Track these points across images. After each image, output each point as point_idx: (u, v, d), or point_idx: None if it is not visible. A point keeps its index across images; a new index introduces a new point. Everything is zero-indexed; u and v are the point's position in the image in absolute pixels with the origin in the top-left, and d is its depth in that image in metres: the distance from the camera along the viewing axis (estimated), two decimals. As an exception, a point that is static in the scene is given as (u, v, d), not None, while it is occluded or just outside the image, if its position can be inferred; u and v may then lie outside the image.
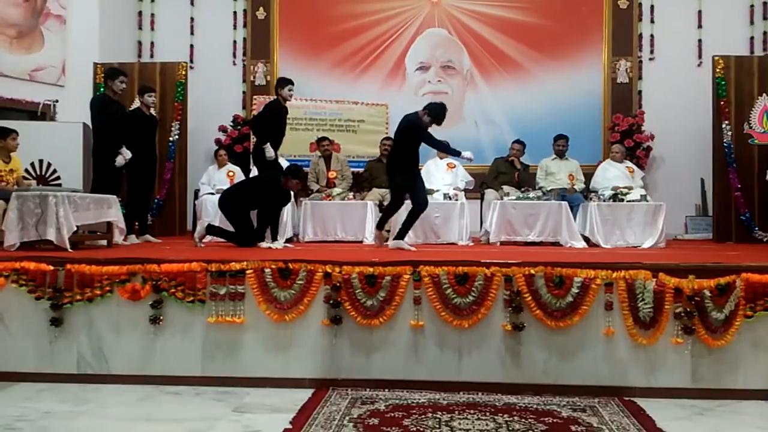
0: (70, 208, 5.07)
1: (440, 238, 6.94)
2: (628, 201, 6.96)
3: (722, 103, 7.85)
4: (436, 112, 5.79)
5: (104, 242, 5.74)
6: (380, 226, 6.26)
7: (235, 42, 9.52)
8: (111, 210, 5.73)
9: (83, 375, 4.20)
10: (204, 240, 6.00)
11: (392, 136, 8.30)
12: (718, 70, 7.89)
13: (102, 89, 7.27)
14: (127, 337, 4.21)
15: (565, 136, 7.86)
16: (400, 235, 5.93)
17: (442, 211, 7.01)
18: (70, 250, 4.90)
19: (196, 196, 8.25)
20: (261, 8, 9.49)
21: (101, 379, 4.17)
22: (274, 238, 6.44)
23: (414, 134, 5.87)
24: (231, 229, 6.06)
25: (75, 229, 5.12)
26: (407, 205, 6.14)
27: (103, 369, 4.21)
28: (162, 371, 4.18)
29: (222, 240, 6.13)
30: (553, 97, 9.16)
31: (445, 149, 6.46)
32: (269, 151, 6.36)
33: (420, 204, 6.01)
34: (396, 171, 6.04)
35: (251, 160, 6.87)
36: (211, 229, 6.02)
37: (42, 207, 4.95)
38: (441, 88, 9.45)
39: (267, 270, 4.18)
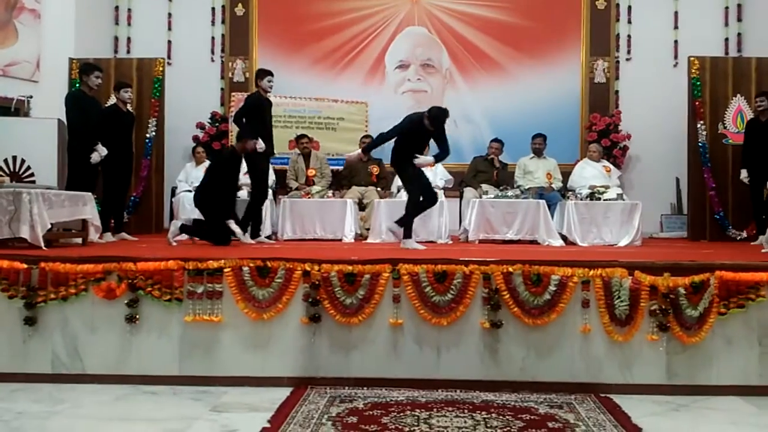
0: (44, 206, 4.99)
1: (419, 236, 6.91)
2: (604, 200, 7.03)
3: (697, 103, 7.95)
4: (435, 116, 5.64)
5: (79, 240, 5.66)
6: (408, 233, 5.74)
7: (213, 38, 9.45)
8: (86, 207, 5.65)
9: (58, 375, 4.14)
10: (177, 238, 5.94)
11: (372, 135, 8.36)
12: (693, 71, 7.99)
13: (77, 85, 7.17)
14: (102, 337, 4.16)
15: (542, 134, 7.93)
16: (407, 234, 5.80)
17: (422, 209, 7.00)
18: (44, 248, 4.82)
19: (173, 194, 8.18)
20: (239, 4, 9.43)
21: (76, 379, 4.12)
22: (256, 235, 6.41)
23: (414, 135, 5.83)
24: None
25: (49, 226, 5.03)
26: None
27: (78, 368, 4.15)
28: (138, 370, 4.14)
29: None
30: (532, 96, 9.22)
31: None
32: (259, 144, 6.28)
33: (434, 198, 5.95)
34: (404, 165, 5.80)
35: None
36: (184, 228, 5.97)
37: (15, 204, 4.86)
38: (420, 86, 9.46)
39: (245, 268, 4.16)
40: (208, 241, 5.85)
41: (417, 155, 5.73)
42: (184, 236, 6.04)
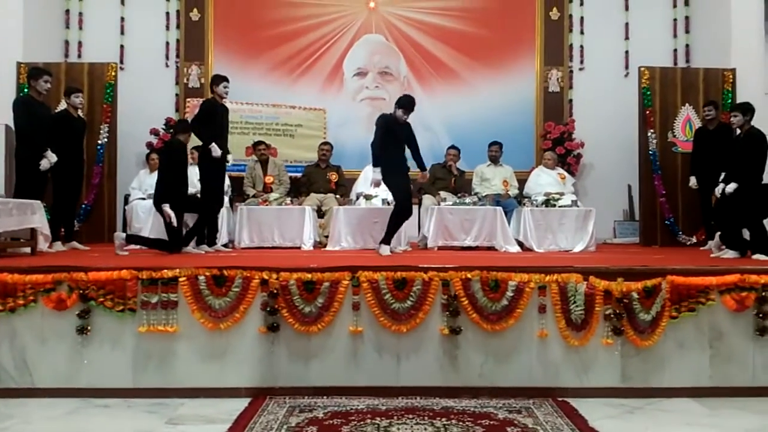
0: (-10, 214, 4.83)
1: (377, 243, 6.93)
2: (559, 206, 7.15)
3: (648, 112, 8.16)
4: (405, 102, 6.07)
5: (28, 249, 5.49)
6: (388, 239, 6.00)
7: (167, 43, 9.28)
8: (35, 216, 5.49)
9: (6, 389, 4.00)
10: (128, 248, 5.80)
11: (330, 141, 8.35)
12: (643, 81, 8.20)
13: (26, 90, 6.96)
14: (52, 349, 4.04)
15: (498, 142, 8.04)
16: (386, 240, 6.00)
17: (381, 216, 6.98)
18: (-10, 258, 4.67)
19: (126, 202, 7.99)
20: (195, 9, 9.29)
21: (25, 393, 3.99)
22: (212, 243, 6.31)
23: (393, 132, 5.99)
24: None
25: (-4, 235, 4.88)
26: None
27: (27, 382, 4.02)
28: (90, 383, 4.03)
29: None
30: (488, 104, 9.33)
31: (418, 158, 6.40)
32: (215, 151, 6.18)
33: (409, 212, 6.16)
34: (389, 173, 6.00)
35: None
36: (131, 239, 5.84)
37: (-41, 213, 4.70)
38: (378, 93, 9.47)
39: (201, 277, 4.09)
40: (158, 249, 5.73)
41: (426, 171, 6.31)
42: (133, 246, 5.91)
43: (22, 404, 3.86)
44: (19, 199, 5.55)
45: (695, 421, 3.67)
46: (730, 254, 5.63)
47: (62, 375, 4.03)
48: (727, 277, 4.17)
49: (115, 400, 3.93)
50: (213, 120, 6.27)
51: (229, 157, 6.56)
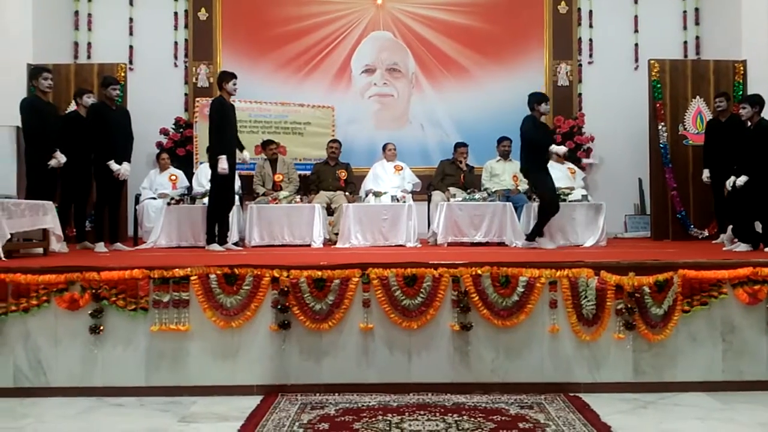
0: (3, 215, 4.86)
1: (388, 240, 6.95)
2: (569, 201, 7.11)
3: (658, 105, 8.11)
4: (534, 95, 6.42)
5: (40, 250, 5.53)
6: (541, 233, 6.30)
7: (176, 43, 9.33)
8: (47, 216, 5.52)
9: (20, 389, 4.03)
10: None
11: (338, 139, 8.35)
12: (653, 73, 8.15)
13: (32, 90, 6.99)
14: (66, 349, 4.07)
15: (509, 137, 8.00)
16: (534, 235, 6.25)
17: (390, 213, 7.02)
18: (3, 259, 4.70)
19: (137, 201, 8.04)
20: (203, 9, 9.33)
21: (40, 393, 4.02)
22: (223, 241, 6.33)
23: (536, 130, 6.21)
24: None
25: (9, 236, 4.91)
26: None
27: (41, 382, 4.05)
28: (104, 382, 4.06)
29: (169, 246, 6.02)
30: (497, 99, 9.29)
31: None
32: (222, 164, 6.15)
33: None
34: (533, 172, 6.25)
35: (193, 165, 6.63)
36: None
37: (-27, 214, 4.74)
38: (387, 90, 9.47)
39: (212, 276, 4.10)
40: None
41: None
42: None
43: (37, 403, 3.90)
44: (31, 199, 5.58)
45: (708, 416, 3.65)
46: (742, 247, 5.59)
47: (76, 374, 4.06)
48: (739, 270, 4.13)
49: (129, 399, 3.96)
50: (226, 119, 6.26)
51: (246, 153, 6.56)
